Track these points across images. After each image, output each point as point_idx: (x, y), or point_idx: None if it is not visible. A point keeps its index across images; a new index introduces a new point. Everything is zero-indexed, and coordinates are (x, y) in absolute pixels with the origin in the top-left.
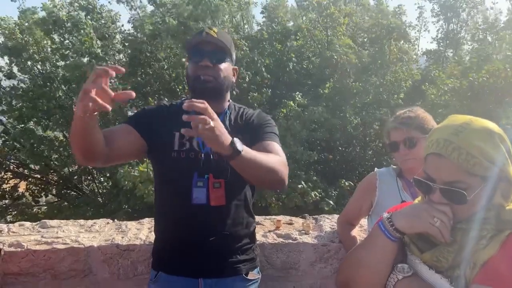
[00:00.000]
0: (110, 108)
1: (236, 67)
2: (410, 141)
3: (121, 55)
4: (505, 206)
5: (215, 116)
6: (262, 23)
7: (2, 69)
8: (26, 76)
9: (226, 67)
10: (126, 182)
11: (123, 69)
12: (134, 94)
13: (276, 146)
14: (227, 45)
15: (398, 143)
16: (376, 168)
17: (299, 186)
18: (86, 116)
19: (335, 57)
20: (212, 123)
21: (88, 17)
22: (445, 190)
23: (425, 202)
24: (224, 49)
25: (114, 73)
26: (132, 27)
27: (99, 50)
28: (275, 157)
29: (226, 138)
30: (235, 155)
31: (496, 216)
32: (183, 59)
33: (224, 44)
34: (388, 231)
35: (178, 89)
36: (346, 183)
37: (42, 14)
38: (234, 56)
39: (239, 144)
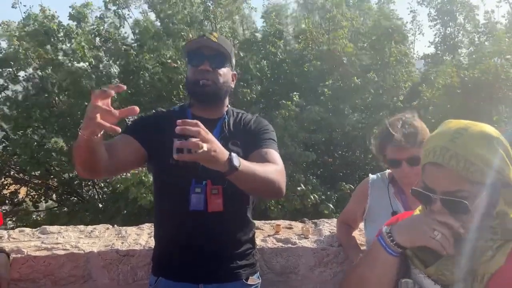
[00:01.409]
0: (118, 129)
1: (235, 72)
2: (415, 160)
3: (115, 66)
4: (509, 213)
5: (209, 136)
6: (260, 28)
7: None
8: (21, 85)
9: (225, 72)
10: (119, 186)
11: (124, 86)
12: (137, 109)
13: (274, 153)
14: (228, 50)
15: (400, 161)
16: (370, 174)
17: (298, 188)
18: (93, 138)
19: (331, 48)
20: (205, 147)
21: (80, 26)
22: (446, 200)
23: (425, 214)
24: (224, 54)
25: (113, 93)
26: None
27: (91, 59)
28: (272, 167)
29: (223, 155)
30: (232, 172)
31: (502, 224)
32: (169, 60)
33: (225, 49)
34: (388, 246)
35: (172, 96)
36: (347, 186)
37: (34, 25)
38: (234, 61)
39: (236, 160)
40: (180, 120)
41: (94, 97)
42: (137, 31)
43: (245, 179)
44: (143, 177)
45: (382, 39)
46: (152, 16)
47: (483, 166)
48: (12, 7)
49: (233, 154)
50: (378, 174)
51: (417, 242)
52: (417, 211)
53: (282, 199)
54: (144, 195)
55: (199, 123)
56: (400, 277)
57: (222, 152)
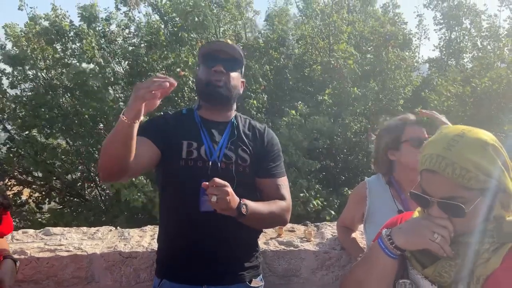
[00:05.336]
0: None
1: (244, 80)
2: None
3: (123, 64)
4: (505, 217)
5: (227, 189)
6: (263, 32)
7: (8, 77)
8: (30, 84)
9: (237, 76)
10: (110, 188)
11: (175, 83)
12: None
13: (285, 184)
14: (241, 57)
15: (421, 140)
16: (366, 177)
17: (301, 194)
18: (134, 124)
19: (333, 62)
20: (214, 198)
21: (91, 27)
22: (443, 203)
23: (424, 217)
24: (237, 59)
25: (172, 86)
26: (134, 35)
27: (101, 60)
28: (280, 206)
29: (234, 203)
30: (240, 218)
31: (498, 228)
32: (178, 69)
33: (239, 54)
34: (388, 248)
35: (176, 97)
36: (350, 192)
37: (45, 23)
38: (243, 69)
39: (243, 208)
40: (205, 183)
41: (156, 85)
42: (144, 32)
43: (252, 222)
44: (133, 179)
45: (379, 45)
46: (156, 17)
47: (478, 173)
48: (19, 9)
49: (242, 203)
50: (374, 176)
51: (417, 245)
52: (416, 213)
53: None
54: (136, 197)
55: (217, 180)
56: (397, 277)
57: (233, 201)
